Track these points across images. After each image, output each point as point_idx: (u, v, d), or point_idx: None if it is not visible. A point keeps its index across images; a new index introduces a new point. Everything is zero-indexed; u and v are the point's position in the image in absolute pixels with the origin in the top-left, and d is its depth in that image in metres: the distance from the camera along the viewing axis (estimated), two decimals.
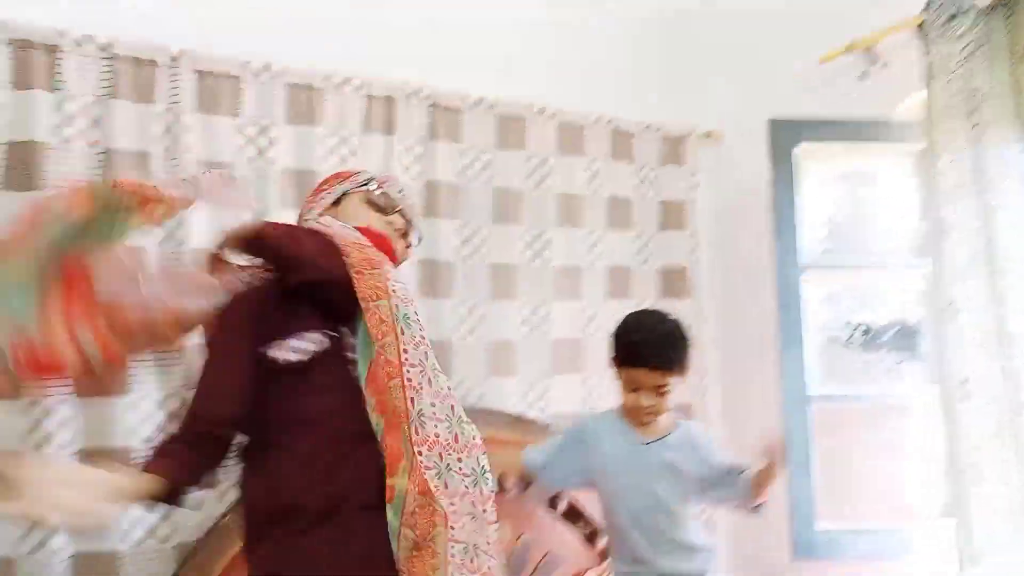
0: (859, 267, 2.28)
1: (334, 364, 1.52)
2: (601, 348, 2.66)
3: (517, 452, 1.88)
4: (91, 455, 1.91)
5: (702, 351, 2.83)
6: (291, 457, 1.45)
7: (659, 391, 1.76)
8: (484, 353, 2.50)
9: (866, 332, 2.27)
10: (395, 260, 1.68)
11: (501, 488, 1.87)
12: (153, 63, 2.08)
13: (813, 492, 2.15)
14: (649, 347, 1.76)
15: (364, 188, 1.73)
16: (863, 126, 2.28)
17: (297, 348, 1.50)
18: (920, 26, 2.12)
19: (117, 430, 1.96)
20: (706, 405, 2.82)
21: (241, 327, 1.50)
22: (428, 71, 2.45)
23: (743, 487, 1.79)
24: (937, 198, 2.03)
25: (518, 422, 2.46)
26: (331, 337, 1.53)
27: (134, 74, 2.06)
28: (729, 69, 2.87)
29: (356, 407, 1.49)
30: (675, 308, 2.78)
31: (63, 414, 1.90)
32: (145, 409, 2.00)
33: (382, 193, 1.73)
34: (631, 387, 1.79)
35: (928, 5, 2.10)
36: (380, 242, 1.62)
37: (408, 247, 1.77)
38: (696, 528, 1.86)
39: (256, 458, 1.50)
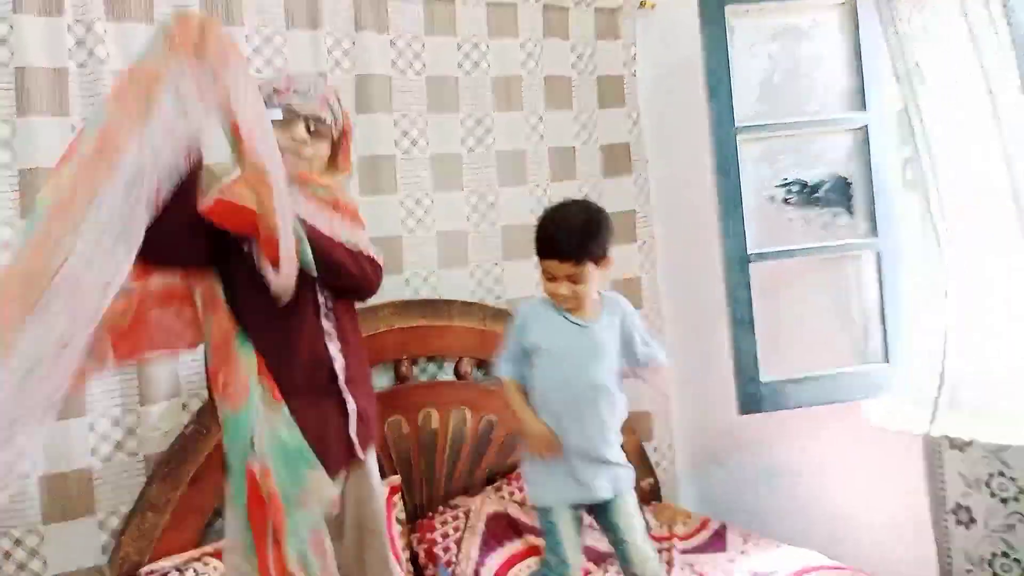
0: (792, 125, 2.30)
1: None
2: None
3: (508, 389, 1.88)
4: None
5: (648, 223, 2.90)
6: None
7: (572, 280, 1.79)
8: (434, 246, 2.52)
9: (801, 189, 2.32)
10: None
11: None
12: None
13: (756, 348, 2.24)
14: (560, 239, 1.78)
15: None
16: None
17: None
18: None
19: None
20: (656, 276, 2.90)
21: None
22: None
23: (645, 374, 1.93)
24: (895, 45, 2.05)
25: (474, 309, 2.52)
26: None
27: None
28: None
29: None
30: (619, 185, 2.85)
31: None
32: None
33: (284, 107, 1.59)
34: (548, 277, 1.83)
35: None
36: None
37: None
38: (618, 442, 1.91)
39: None
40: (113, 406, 2.02)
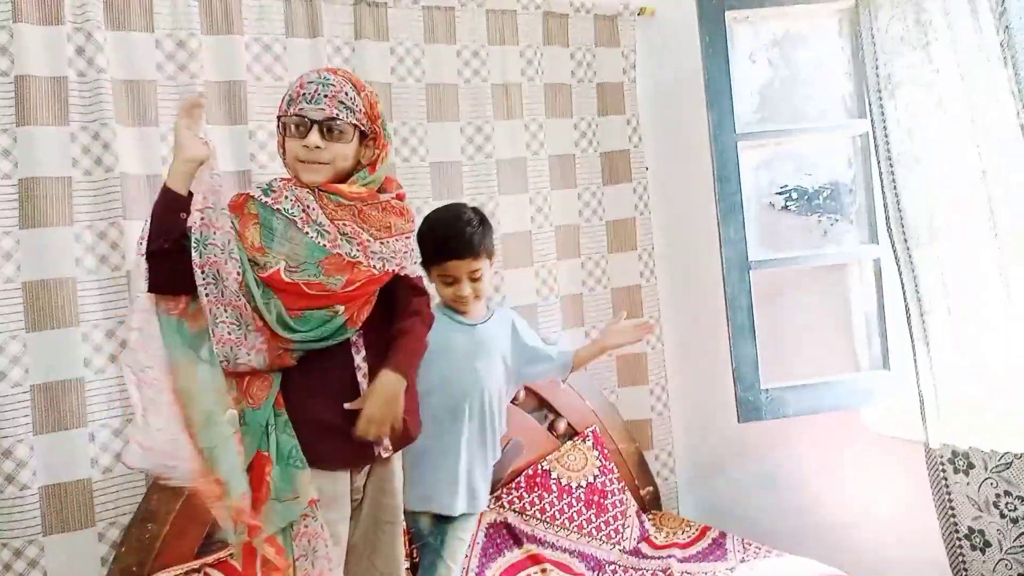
0: (793, 131, 2.31)
1: None
2: (551, 239, 2.73)
3: None
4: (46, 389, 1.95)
5: (648, 230, 2.90)
6: None
7: (472, 277, 1.89)
8: None
9: (800, 196, 2.32)
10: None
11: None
12: None
13: (756, 355, 2.24)
14: (460, 238, 1.87)
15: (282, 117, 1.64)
16: None
17: None
18: None
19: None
20: (655, 283, 2.90)
21: None
22: None
23: (562, 363, 2.06)
24: (880, 54, 2.06)
25: None
26: None
27: None
28: None
29: None
30: (619, 192, 2.85)
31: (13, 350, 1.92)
32: (95, 339, 2.02)
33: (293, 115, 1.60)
34: (447, 281, 1.90)
35: None
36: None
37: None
38: (492, 458, 2.01)
39: None
40: (113, 416, 2.02)
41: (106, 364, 2.01)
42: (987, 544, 2.01)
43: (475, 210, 1.98)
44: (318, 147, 1.58)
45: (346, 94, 1.60)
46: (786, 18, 2.32)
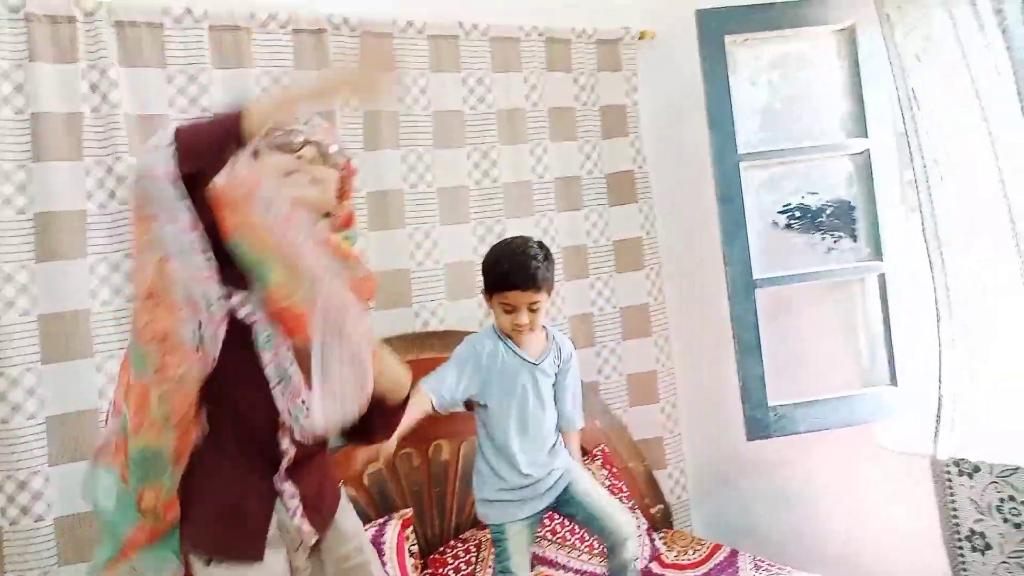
0: (794, 151, 2.33)
1: None
2: (558, 261, 2.74)
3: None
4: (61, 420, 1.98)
5: (654, 252, 2.92)
6: None
7: (531, 308, 1.94)
8: (442, 278, 2.55)
9: (804, 214, 2.34)
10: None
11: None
12: (70, 19, 2.03)
13: (763, 373, 2.25)
14: (525, 270, 1.91)
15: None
16: (791, 9, 2.29)
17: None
18: None
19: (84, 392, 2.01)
20: (663, 302, 2.92)
21: None
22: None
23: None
24: (898, 70, 2.09)
25: None
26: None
27: (51, 33, 2.02)
28: None
29: None
30: (625, 213, 2.88)
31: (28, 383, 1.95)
32: (110, 370, 2.04)
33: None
34: (507, 309, 1.94)
35: None
36: None
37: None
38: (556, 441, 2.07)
39: None
40: None
41: None
42: (988, 547, 2.00)
43: (540, 244, 2.00)
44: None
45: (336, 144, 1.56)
46: (785, 40, 2.35)
